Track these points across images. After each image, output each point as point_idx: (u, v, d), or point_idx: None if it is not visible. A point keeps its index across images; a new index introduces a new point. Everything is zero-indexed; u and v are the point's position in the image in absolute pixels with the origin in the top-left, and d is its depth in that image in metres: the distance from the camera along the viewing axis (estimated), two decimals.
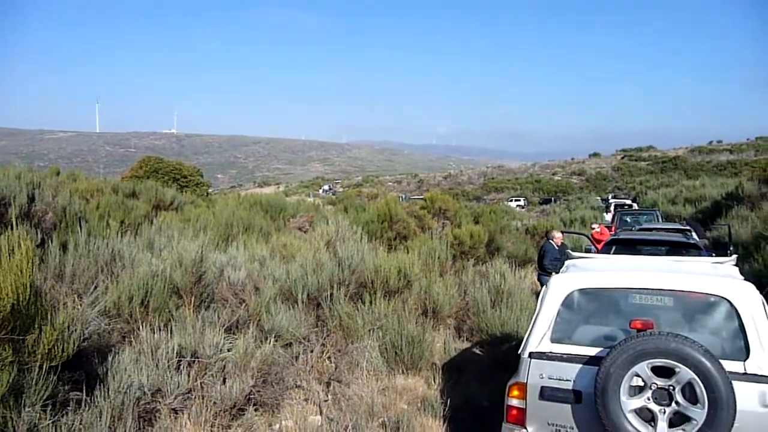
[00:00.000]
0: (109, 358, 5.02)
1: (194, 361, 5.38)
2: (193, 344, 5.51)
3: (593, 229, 17.46)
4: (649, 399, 3.67)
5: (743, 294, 3.94)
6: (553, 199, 58.15)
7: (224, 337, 5.83)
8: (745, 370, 3.71)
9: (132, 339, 5.61)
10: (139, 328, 5.71)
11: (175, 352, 5.30)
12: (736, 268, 4.67)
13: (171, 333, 5.61)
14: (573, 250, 10.75)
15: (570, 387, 3.94)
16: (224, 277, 7.62)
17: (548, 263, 11.09)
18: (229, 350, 5.67)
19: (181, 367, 5.25)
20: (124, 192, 14.39)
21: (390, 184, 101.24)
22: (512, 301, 8.63)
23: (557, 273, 4.61)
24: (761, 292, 4.02)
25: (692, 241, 9.95)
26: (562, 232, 12.27)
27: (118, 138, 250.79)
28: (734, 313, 3.89)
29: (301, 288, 7.62)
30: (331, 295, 7.59)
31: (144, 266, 6.59)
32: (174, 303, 6.53)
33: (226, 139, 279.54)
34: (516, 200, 60.30)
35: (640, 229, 13.42)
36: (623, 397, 3.67)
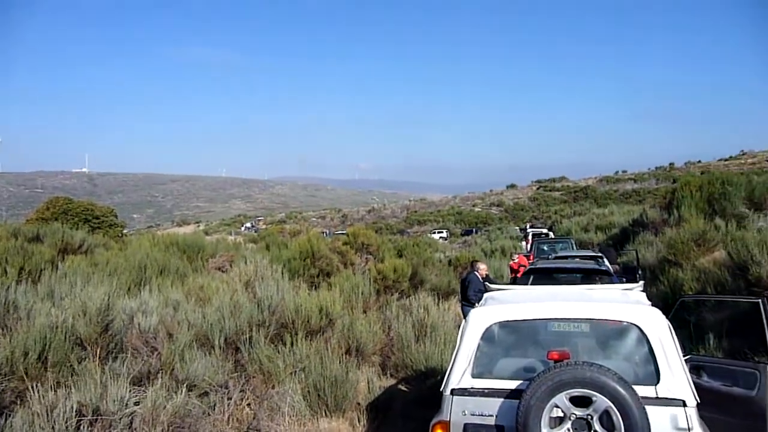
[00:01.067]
0: (0, 423, 4.53)
1: (96, 419, 4.95)
2: (94, 400, 5.09)
3: (513, 260, 17.90)
4: (569, 430, 3.68)
5: (651, 320, 4.07)
6: (474, 230, 59.66)
7: (131, 390, 5.43)
8: (656, 394, 3.80)
9: (28, 399, 5.12)
10: (35, 386, 5.22)
11: (74, 410, 4.86)
12: (644, 294, 4.84)
13: (70, 389, 5.16)
14: (492, 281, 10.96)
15: (493, 422, 3.90)
16: (134, 325, 7.18)
17: (472, 294, 11.21)
18: (136, 404, 5.28)
19: (82, 427, 4.82)
20: (25, 236, 13.44)
21: (314, 219, 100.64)
22: (436, 335, 8.61)
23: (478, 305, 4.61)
24: (667, 316, 4.17)
25: (604, 268, 10.37)
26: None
27: (23, 178, 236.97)
28: (644, 338, 4.00)
29: (218, 332, 7.30)
30: (251, 338, 7.33)
31: (42, 317, 6.09)
32: (77, 356, 6.05)
33: (141, 178, 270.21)
34: (439, 232, 61.31)
35: (557, 257, 13.88)
36: (544, 430, 3.66)
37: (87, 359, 6.30)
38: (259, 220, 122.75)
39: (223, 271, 13.43)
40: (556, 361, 3.82)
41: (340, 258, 15.60)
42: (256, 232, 74.95)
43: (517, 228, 51.07)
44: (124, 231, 43.26)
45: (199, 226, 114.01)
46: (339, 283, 11.03)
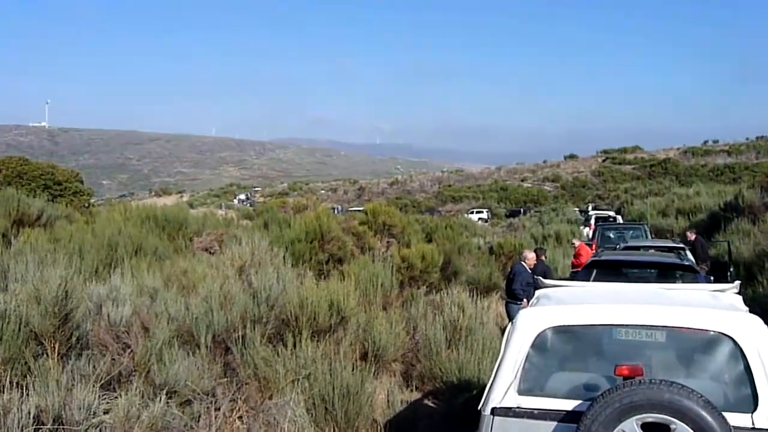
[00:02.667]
0: None
1: (57, 429, 5.07)
2: (57, 406, 5.20)
3: (573, 245, 17.76)
4: None
5: (748, 329, 3.98)
6: (522, 210, 59.50)
7: (100, 395, 5.54)
8: (753, 424, 3.73)
9: None
10: None
11: (32, 416, 4.98)
12: (740, 297, 4.76)
13: (27, 392, 5.28)
14: (548, 273, 10.92)
15: None
16: (102, 316, 7.30)
17: (519, 289, 11.22)
18: (106, 412, 5.38)
19: None
20: None
21: (323, 192, 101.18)
22: (473, 340, 8.63)
23: (528, 302, 4.60)
24: None
25: (686, 263, 10.25)
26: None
27: None
28: (739, 353, 3.92)
29: (204, 328, 7.40)
30: (244, 336, 7.41)
31: None
32: (32, 351, 6.18)
33: (113, 136, 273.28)
34: (478, 212, 61.30)
35: (626, 248, 13.77)
36: None
37: (44, 356, 6.42)
38: (256, 192, 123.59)
39: (211, 253, 13.57)
40: (625, 378, 3.79)
41: (356, 241, 15.67)
42: (251, 205, 75.53)
43: (577, 209, 50.75)
44: (92, 200, 43.94)
45: (182, 196, 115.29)
46: (354, 273, 11.08)
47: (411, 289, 12.86)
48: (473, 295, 10.40)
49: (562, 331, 4.29)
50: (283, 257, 10.68)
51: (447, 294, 10.25)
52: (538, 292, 4.98)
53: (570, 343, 4.31)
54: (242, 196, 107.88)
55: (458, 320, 9.17)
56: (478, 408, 4.19)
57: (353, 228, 16.39)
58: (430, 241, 17.64)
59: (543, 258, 13.28)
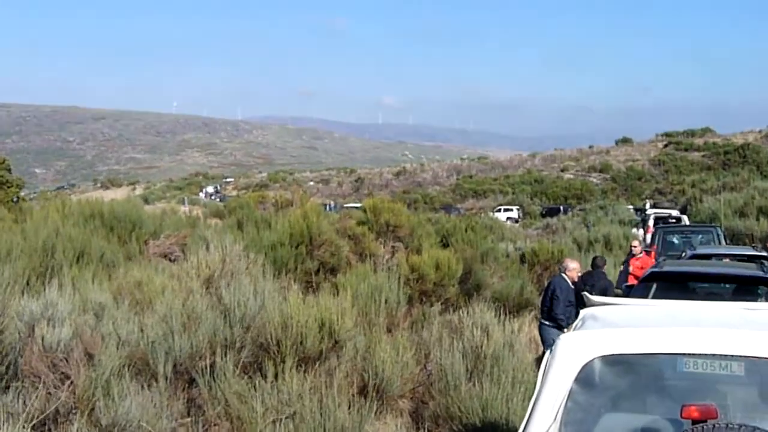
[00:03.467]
0: None
1: None
2: None
3: (632, 252, 17.36)
4: None
5: None
6: (562, 208, 59.59)
7: None
8: None
9: None
10: None
11: None
12: None
13: None
14: (606, 293, 10.87)
15: None
16: (35, 339, 7.30)
17: (560, 310, 11.16)
18: None
19: None
20: None
21: (311, 184, 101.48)
22: (500, 371, 8.63)
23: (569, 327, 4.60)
24: None
25: None
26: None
27: None
28: None
29: (162, 355, 7.43)
30: (212, 365, 7.44)
31: None
32: None
33: (48, 113, 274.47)
34: (506, 210, 61.41)
35: (693, 256, 13.74)
36: None
37: None
38: (228, 183, 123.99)
39: (171, 260, 13.61)
40: (694, 422, 3.77)
41: (353, 246, 15.70)
42: (222, 200, 75.55)
43: (632, 207, 50.73)
44: (21, 194, 44.04)
45: (135, 189, 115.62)
46: (350, 285, 11.10)
47: (422, 306, 12.88)
48: (500, 315, 10.39)
49: (614, 361, 4.27)
50: (262, 266, 10.70)
51: (467, 313, 10.25)
52: (583, 312, 4.97)
53: (624, 377, 4.30)
54: (210, 189, 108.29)
55: (481, 346, 9.16)
56: None
57: (349, 229, 16.39)
58: (446, 246, 17.63)
59: (603, 270, 13.24)
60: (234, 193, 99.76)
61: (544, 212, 60.89)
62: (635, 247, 17.08)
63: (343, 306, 8.69)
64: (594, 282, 12.01)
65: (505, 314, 10.77)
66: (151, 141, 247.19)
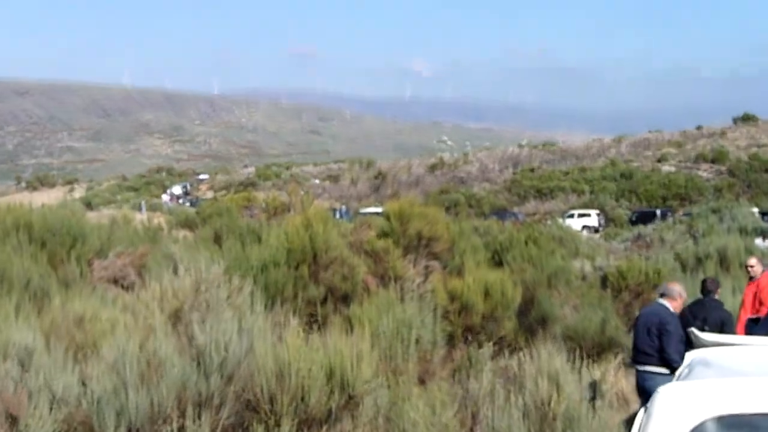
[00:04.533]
0: None
1: None
2: None
3: (751, 274, 17.09)
4: None
5: None
6: (659, 212, 59.21)
7: None
8: None
9: None
10: None
11: None
12: None
13: None
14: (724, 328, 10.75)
15: None
16: None
17: (675, 351, 10.88)
18: None
19: None
20: None
21: (316, 182, 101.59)
22: None
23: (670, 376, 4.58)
24: None
25: None
26: None
27: None
28: None
29: (113, 417, 7.43)
30: (181, 430, 7.43)
31: None
32: None
33: None
34: (582, 215, 61.24)
35: None
36: None
37: None
38: (201, 181, 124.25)
39: (124, 287, 13.61)
40: None
41: (372, 265, 15.70)
42: (193, 205, 75.60)
43: (757, 210, 50.29)
44: None
45: (73, 190, 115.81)
46: (369, 319, 11.08)
47: (467, 347, 12.82)
48: (575, 360, 10.34)
49: (733, 423, 4.24)
50: (250, 294, 10.68)
51: (529, 357, 10.20)
52: (691, 356, 4.94)
53: None
54: (177, 190, 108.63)
55: (549, 403, 9.11)
56: None
57: (368, 243, 16.40)
58: (499, 265, 17.58)
59: (717, 297, 12.98)
60: (209, 194, 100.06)
61: (633, 218, 60.62)
62: (752, 267, 16.68)
63: (360, 348, 8.67)
64: (705, 314, 11.81)
65: (582, 358, 10.71)
66: (94, 124, 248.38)
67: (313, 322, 12.59)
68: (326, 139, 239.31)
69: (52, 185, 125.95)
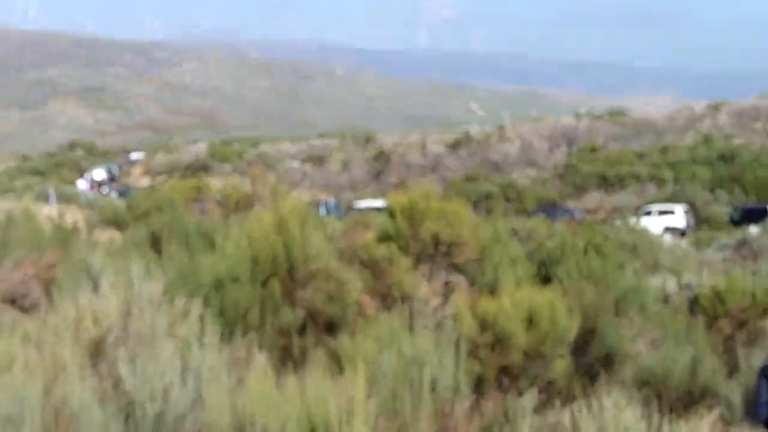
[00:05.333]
0: None
1: None
2: None
3: None
4: None
5: None
6: None
7: None
8: None
9: None
10: None
11: None
12: None
13: None
14: None
15: None
16: None
17: None
18: None
19: None
20: None
21: (294, 165, 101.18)
22: None
23: None
24: None
25: None
26: None
27: None
28: None
29: None
30: None
31: None
32: None
33: None
34: (663, 212, 61.04)
35: None
36: None
37: None
38: (133, 162, 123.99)
39: (23, 310, 13.60)
40: None
41: (371, 280, 15.69)
42: (123, 194, 75.33)
43: None
44: None
45: None
46: (365, 356, 11.07)
47: (502, 396, 12.80)
48: (652, 414, 10.36)
49: None
50: (200, 320, 10.66)
51: (588, 410, 10.23)
52: None
53: None
54: (100, 174, 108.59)
55: None
56: None
57: (365, 250, 16.39)
58: (547, 281, 17.53)
59: None
60: (144, 181, 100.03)
61: (736, 217, 60.51)
62: None
63: (351, 396, 8.67)
64: None
65: (662, 413, 10.73)
66: None
67: (287, 358, 12.58)
68: (308, 105, 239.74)
69: None
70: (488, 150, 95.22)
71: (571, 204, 68.51)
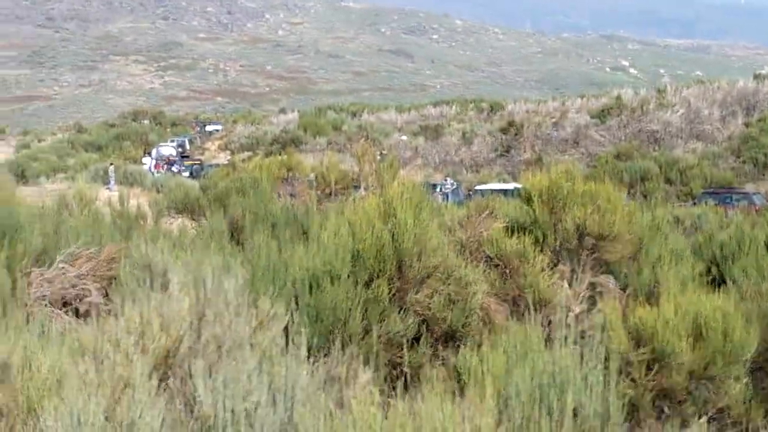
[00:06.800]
0: None
1: None
2: None
3: None
4: None
5: None
6: None
7: None
8: None
9: None
10: None
11: None
12: None
13: None
14: None
15: None
16: None
17: None
18: None
19: None
20: None
21: (403, 138, 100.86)
22: None
23: None
24: None
25: None
26: None
27: None
28: None
29: None
30: None
31: None
32: None
33: None
34: None
35: None
36: None
37: None
38: (209, 135, 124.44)
39: (79, 315, 13.64)
40: None
41: (498, 280, 15.63)
42: (196, 174, 75.56)
43: None
44: None
45: (4, 143, 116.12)
46: (492, 373, 11.03)
47: (662, 425, 12.70)
48: None
49: None
50: (287, 327, 10.65)
51: None
52: None
53: None
54: (169, 149, 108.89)
55: None
56: None
57: (491, 243, 16.32)
58: (720, 284, 17.33)
59: None
60: (223, 158, 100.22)
61: None
62: None
63: (476, 424, 8.64)
64: None
65: None
66: (30, 38, 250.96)
67: (397, 376, 12.55)
68: (420, 64, 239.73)
69: None
70: (644, 119, 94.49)
71: (749, 187, 67.72)
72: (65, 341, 10.83)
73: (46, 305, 14.18)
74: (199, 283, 10.89)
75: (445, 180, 68.88)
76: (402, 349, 13.59)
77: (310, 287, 13.79)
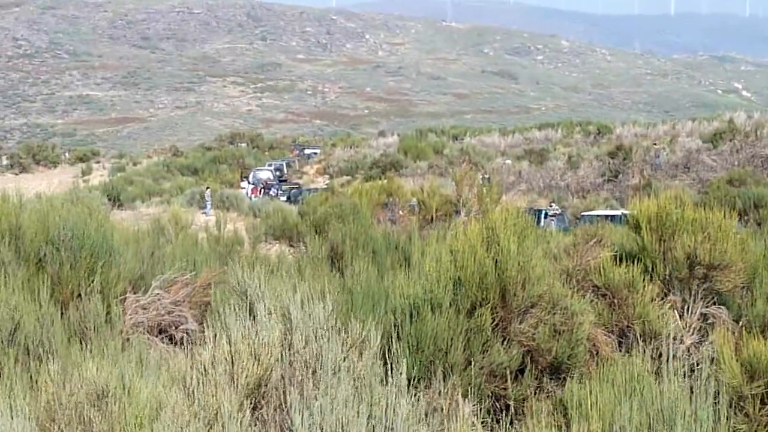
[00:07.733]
0: None
1: None
2: None
3: None
4: None
5: None
6: None
7: None
8: None
9: None
10: None
11: None
12: None
13: None
14: None
15: None
16: None
17: None
18: None
19: None
20: None
21: (507, 162, 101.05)
22: None
23: None
24: None
25: None
26: None
27: None
28: None
29: None
30: None
31: None
32: None
33: None
34: None
35: None
36: None
37: None
38: (308, 159, 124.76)
39: (174, 342, 13.66)
40: None
41: (606, 310, 15.51)
42: (294, 199, 75.76)
43: None
44: None
45: (89, 171, 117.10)
46: (599, 407, 10.97)
47: None
48: None
49: None
50: (384, 355, 10.60)
51: None
52: None
53: None
54: (266, 173, 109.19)
55: None
56: None
57: (599, 272, 16.21)
58: None
59: None
60: (321, 182, 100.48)
61: None
62: None
63: None
64: None
65: None
66: (126, 58, 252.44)
67: (501, 408, 12.50)
68: (524, 86, 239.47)
69: (54, 163, 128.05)
70: (758, 144, 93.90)
71: None
72: (162, 370, 10.84)
73: (142, 332, 14.22)
74: (290, 311, 10.90)
75: (551, 206, 68.71)
76: (505, 380, 13.54)
77: (411, 315, 13.75)
